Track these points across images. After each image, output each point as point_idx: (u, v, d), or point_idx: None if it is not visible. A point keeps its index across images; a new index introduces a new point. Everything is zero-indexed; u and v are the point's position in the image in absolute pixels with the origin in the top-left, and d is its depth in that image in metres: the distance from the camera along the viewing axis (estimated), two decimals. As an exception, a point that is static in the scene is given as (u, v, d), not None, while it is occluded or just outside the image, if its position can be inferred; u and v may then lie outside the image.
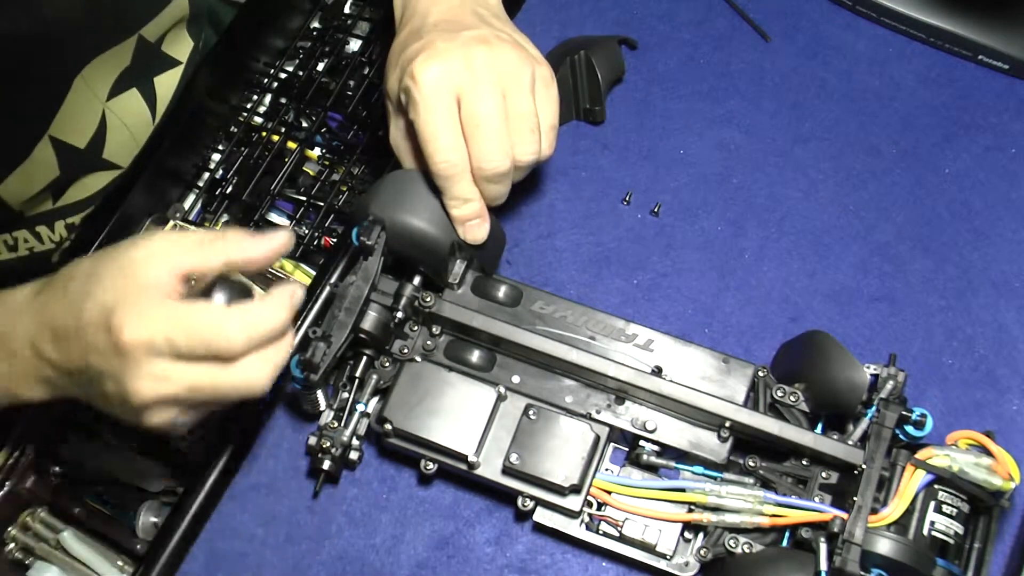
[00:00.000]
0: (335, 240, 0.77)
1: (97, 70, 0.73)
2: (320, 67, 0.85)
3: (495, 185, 0.65)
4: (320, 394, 0.66)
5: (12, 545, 0.72)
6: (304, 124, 0.83)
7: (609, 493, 0.65)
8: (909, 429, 0.63)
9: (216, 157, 0.83)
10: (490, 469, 0.65)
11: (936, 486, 0.61)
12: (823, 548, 0.60)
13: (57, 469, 0.74)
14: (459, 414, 0.65)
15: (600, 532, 0.66)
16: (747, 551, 0.63)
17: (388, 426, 0.65)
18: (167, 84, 0.82)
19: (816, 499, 0.63)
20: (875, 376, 0.64)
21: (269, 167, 0.81)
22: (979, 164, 0.79)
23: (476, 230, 0.66)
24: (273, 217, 0.81)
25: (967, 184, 0.79)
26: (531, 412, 0.65)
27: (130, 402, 0.56)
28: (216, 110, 0.82)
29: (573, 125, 0.81)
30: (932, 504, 0.61)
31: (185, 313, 0.55)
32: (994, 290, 0.75)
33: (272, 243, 0.57)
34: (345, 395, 0.67)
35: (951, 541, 0.61)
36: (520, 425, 0.65)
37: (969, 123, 0.81)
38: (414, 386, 0.66)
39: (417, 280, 0.67)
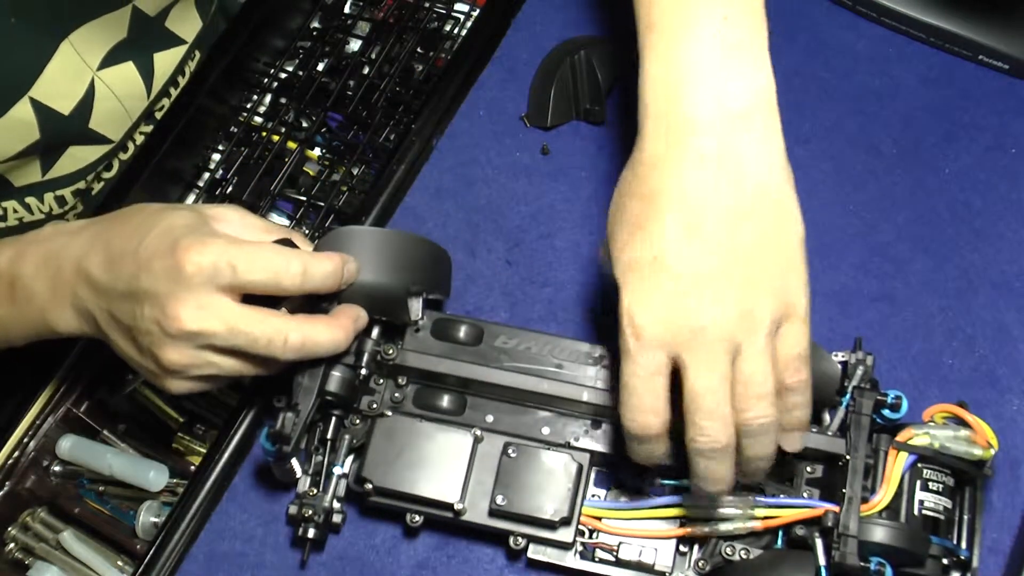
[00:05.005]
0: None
1: (88, 37, 0.72)
2: (320, 67, 0.85)
3: (712, 462, 0.55)
4: (295, 462, 0.65)
5: (12, 545, 0.72)
6: (304, 124, 0.83)
7: (600, 519, 0.64)
8: (886, 412, 0.63)
9: (216, 157, 0.83)
10: (477, 513, 0.64)
11: (920, 464, 0.61)
12: (819, 544, 0.60)
13: (57, 469, 0.74)
14: (438, 463, 0.64)
15: (596, 559, 0.65)
16: (744, 557, 0.62)
17: (368, 485, 0.63)
18: (168, 61, 0.80)
19: (805, 495, 0.63)
20: (844, 363, 0.64)
21: (269, 167, 0.81)
22: (979, 164, 0.79)
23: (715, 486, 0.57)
24: (273, 217, 0.81)
25: (967, 184, 0.79)
26: (510, 450, 0.64)
27: (167, 329, 0.56)
28: (216, 110, 0.82)
29: (573, 125, 0.81)
30: (919, 483, 0.61)
31: (251, 247, 0.58)
32: (994, 290, 0.75)
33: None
34: (319, 458, 0.65)
35: (941, 516, 0.61)
36: (501, 464, 0.64)
37: (969, 123, 0.81)
38: (389, 441, 0.64)
39: (375, 332, 0.65)
